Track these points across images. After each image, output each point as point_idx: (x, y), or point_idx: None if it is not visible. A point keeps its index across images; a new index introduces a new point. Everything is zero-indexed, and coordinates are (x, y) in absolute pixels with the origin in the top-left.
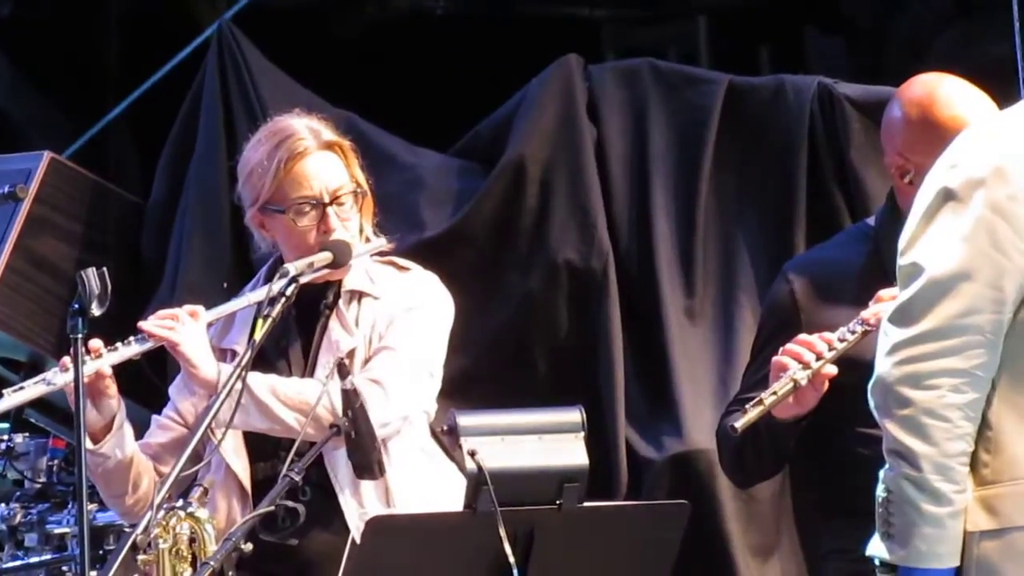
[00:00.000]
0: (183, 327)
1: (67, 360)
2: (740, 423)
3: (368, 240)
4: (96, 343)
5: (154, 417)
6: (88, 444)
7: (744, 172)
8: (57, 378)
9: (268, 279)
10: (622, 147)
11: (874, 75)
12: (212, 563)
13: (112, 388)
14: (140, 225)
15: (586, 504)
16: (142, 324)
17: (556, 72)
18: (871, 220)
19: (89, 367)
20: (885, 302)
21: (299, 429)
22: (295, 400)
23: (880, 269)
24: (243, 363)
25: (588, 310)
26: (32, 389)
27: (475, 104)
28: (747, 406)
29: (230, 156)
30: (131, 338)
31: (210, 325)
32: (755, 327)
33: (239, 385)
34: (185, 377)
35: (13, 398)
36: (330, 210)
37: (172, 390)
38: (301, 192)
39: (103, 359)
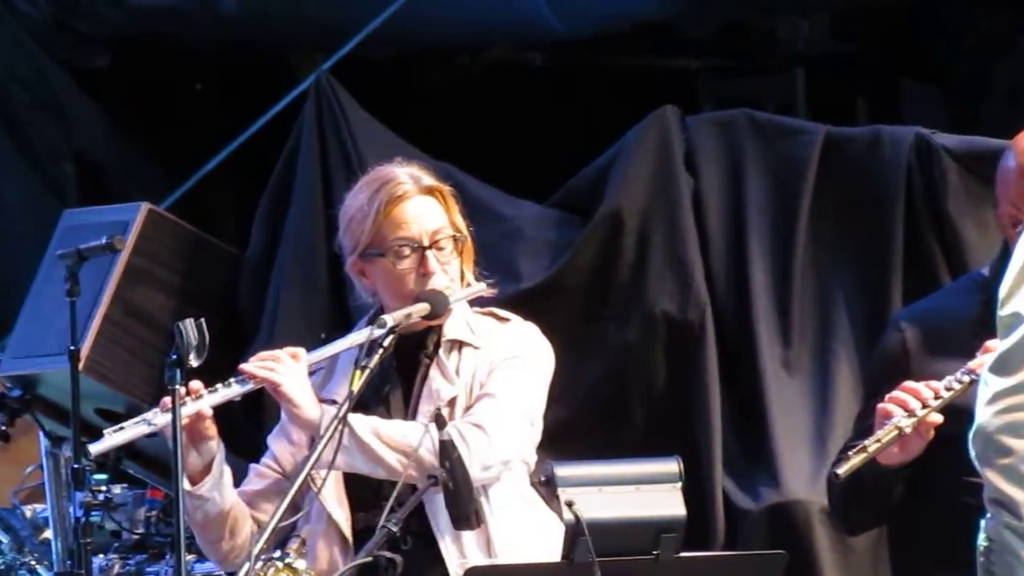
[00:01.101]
0: (285, 368)
1: (167, 400)
2: (843, 469)
3: (469, 286)
4: (196, 384)
5: (251, 465)
6: (186, 485)
7: (841, 223)
8: (157, 419)
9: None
10: (719, 198)
11: (972, 125)
12: None
13: (212, 430)
14: (237, 276)
15: (683, 555)
16: (243, 366)
17: (653, 123)
18: (984, 270)
19: (189, 408)
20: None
21: (401, 471)
22: (398, 442)
23: (992, 320)
24: (344, 407)
25: (685, 361)
26: (132, 429)
27: (572, 155)
28: (851, 452)
29: (327, 207)
30: (232, 379)
31: (311, 372)
32: (851, 377)
33: (341, 428)
34: (284, 423)
35: (114, 438)
36: (429, 253)
37: (270, 438)
38: (400, 234)
39: (203, 400)
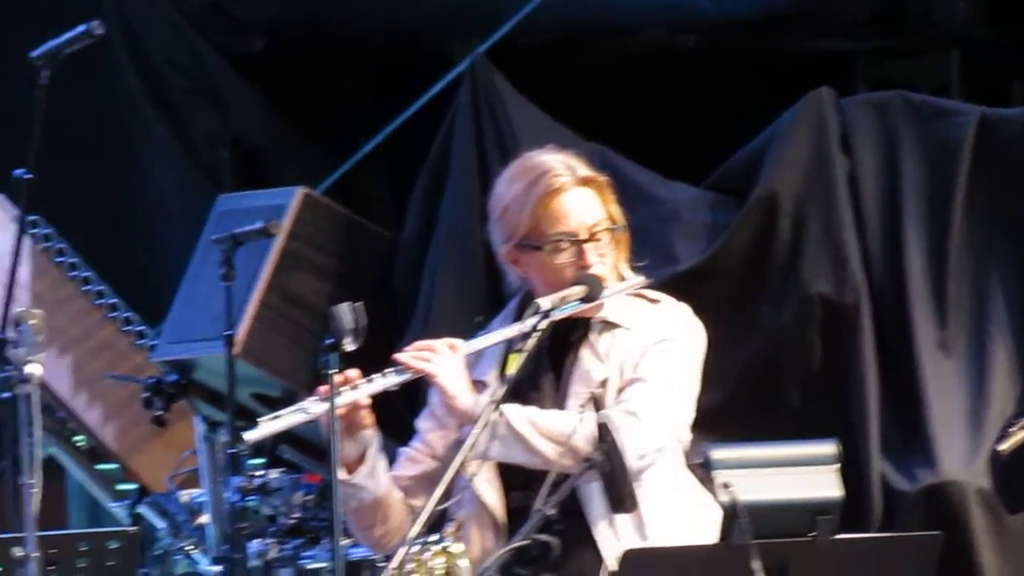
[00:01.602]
0: (441, 358)
1: (324, 388)
2: (1006, 446)
3: (622, 277)
4: (353, 372)
5: (401, 450)
6: (342, 475)
7: (996, 204)
8: (314, 407)
9: (519, 312)
10: (874, 180)
11: None
12: None
13: (368, 419)
14: (393, 260)
15: (839, 536)
16: (399, 356)
17: (808, 105)
18: None
19: (346, 397)
20: None
21: (557, 460)
22: (553, 432)
23: None
24: (498, 396)
25: (841, 343)
26: (288, 417)
27: (726, 137)
28: (1011, 429)
29: (483, 191)
30: (388, 369)
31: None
32: (1007, 358)
33: (494, 416)
34: (433, 407)
35: (269, 426)
36: (587, 246)
37: (421, 423)
38: (558, 228)
39: (360, 390)
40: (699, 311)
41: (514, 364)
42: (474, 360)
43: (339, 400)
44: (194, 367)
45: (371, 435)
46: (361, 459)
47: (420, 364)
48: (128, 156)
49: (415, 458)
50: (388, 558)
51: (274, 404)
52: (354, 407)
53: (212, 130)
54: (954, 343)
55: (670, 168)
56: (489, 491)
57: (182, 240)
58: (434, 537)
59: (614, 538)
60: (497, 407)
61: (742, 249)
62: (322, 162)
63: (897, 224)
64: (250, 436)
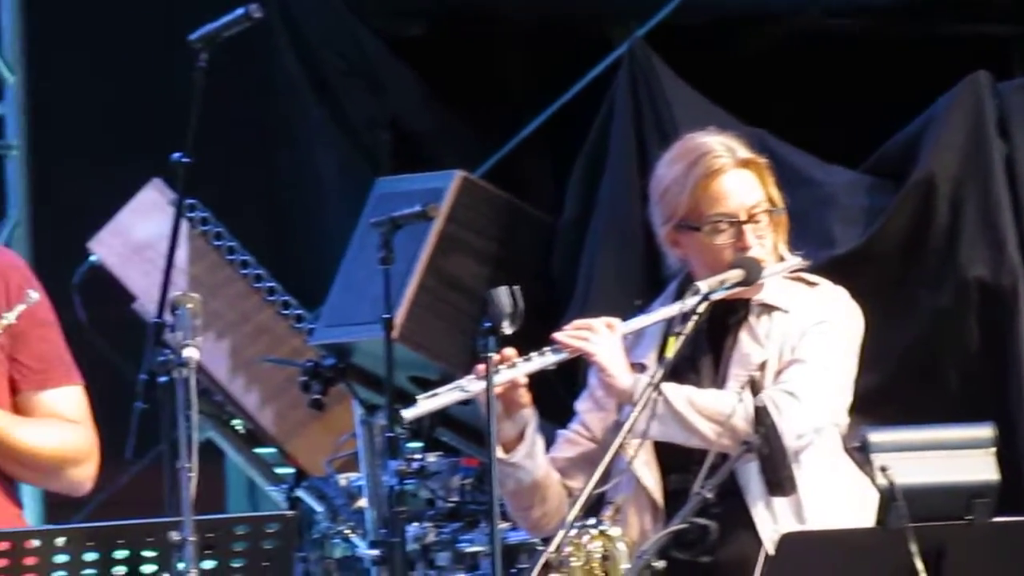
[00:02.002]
0: (599, 337)
1: (482, 367)
2: None
3: (781, 259)
4: (510, 351)
5: (559, 432)
6: (499, 455)
7: None
8: (472, 385)
9: (678, 295)
10: None
11: None
12: None
13: (526, 398)
14: (551, 243)
15: (996, 520)
16: (557, 335)
17: (965, 89)
18: None
19: (503, 375)
20: None
21: (715, 439)
22: (711, 411)
23: None
24: (657, 378)
25: (998, 327)
26: (446, 396)
27: (883, 121)
28: None
29: (641, 174)
30: (546, 348)
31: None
32: None
33: (653, 397)
34: (592, 389)
35: (427, 404)
36: (746, 228)
37: (579, 404)
38: (717, 209)
39: (517, 368)
40: (856, 294)
41: (672, 346)
42: (634, 342)
43: (497, 379)
44: (352, 350)
45: (529, 415)
46: (519, 439)
47: (578, 343)
48: (287, 139)
49: (573, 440)
50: (546, 541)
51: (432, 387)
52: (512, 386)
53: (371, 113)
54: None
55: (828, 152)
56: (647, 473)
57: (340, 223)
58: (592, 520)
59: (772, 521)
60: (656, 389)
61: (899, 233)
62: (480, 145)
63: None
64: (408, 414)
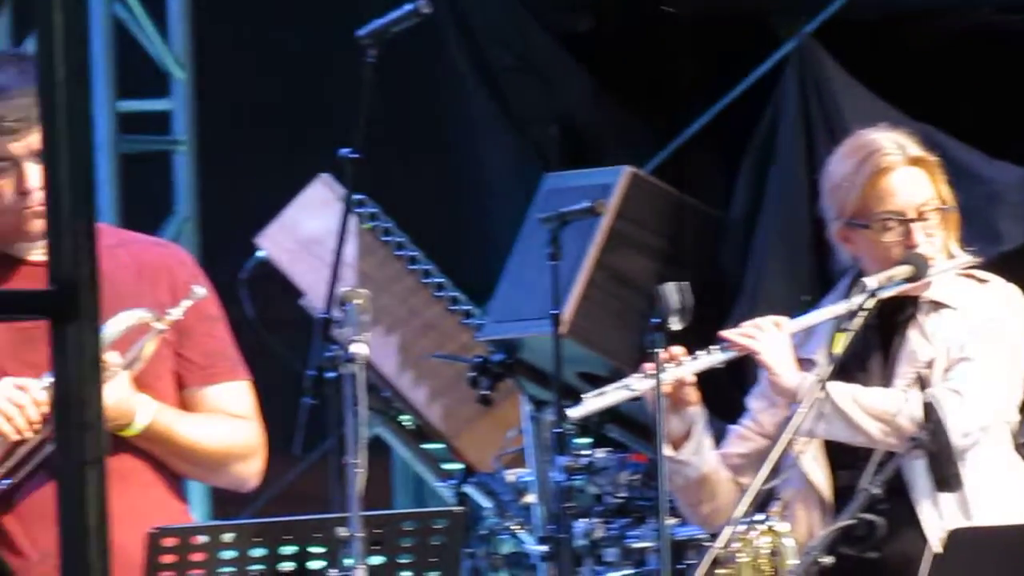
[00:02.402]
0: (765, 335)
1: (649, 365)
2: None
3: (952, 257)
4: (678, 350)
5: (730, 427)
6: (667, 451)
7: None
8: (638, 384)
9: (848, 291)
10: None
11: None
12: None
13: (693, 395)
14: (719, 238)
15: None
16: (725, 332)
17: None
18: None
19: (671, 373)
20: None
21: (881, 439)
22: (878, 410)
23: None
24: (825, 375)
25: None
26: (613, 394)
27: None
28: None
29: (809, 170)
30: (714, 346)
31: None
32: None
33: (819, 395)
34: (765, 387)
35: (593, 403)
36: (915, 225)
37: (751, 401)
38: (886, 207)
39: (685, 367)
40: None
41: (840, 343)
42: (804, 338)
43: (664, 376)
44: (520, 346)
45: (697, 412)
46: (687, 436)
47: (745, 341)
48: (455, 134)
49: (745, 436)
50: (714, 536)
51: (600, 383)
52: (679, 384)
53: (539, 109)
54: None
55: (997, 148)
56: (816, 470)
57: (509, 218)
58: (760, 516)
59: (938, 518)
60: (823, 385)
61: None
62: (649, 141)
63: None
64: (574, 413)
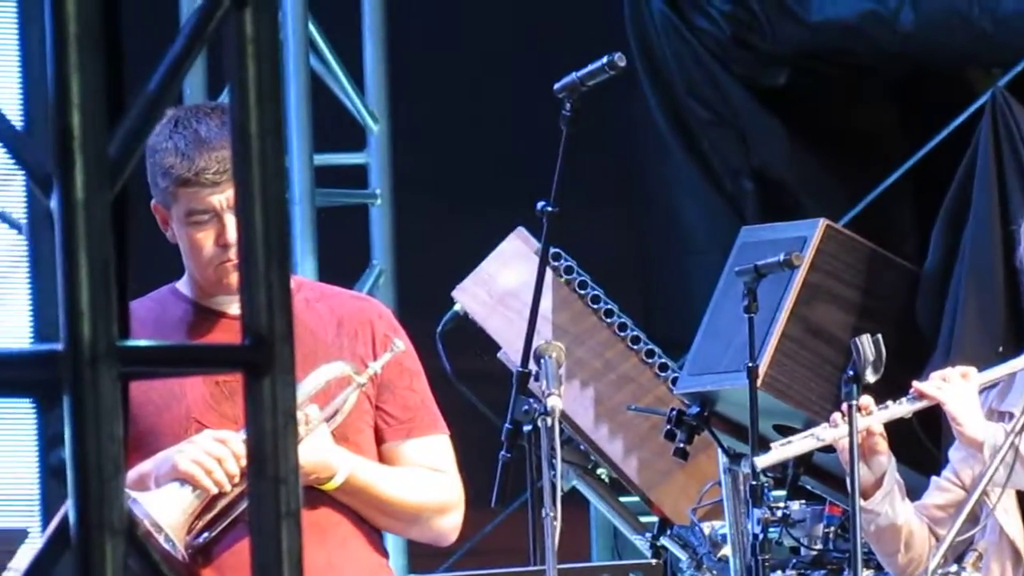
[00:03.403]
0: (952, 387)
1: (836, 416)
2: None
3: None
4: (866, 400)
5: (933, 478)
6: (859, 501)
7: None
8: (825, 433)
9: None
10: None
11: None
12: None
13: (882, 445)
14: (915, 291)
15: None
16: (915, 383)
17: None
18: None
19: (860, 423)
20: None
21: None
22: None
23: None
24: (1017, 426)
25: None
26: (800, 443)
27: None
28: None
29: (1004, 223)
30: (903, 398)
31: (983, 389)
32: None
33: (1009, 446)
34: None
35: (782, 451)
36: None
37: (951, 451)
38: None
39: (874, 416)
40: None
41: None
42: (1003, 390)
43: (855, 430)
44: (716, 399)
45: (886, 461)
46: (877, 485)
47: (931, 391)
48: (651, 187)
49: (943, 487)
50: None
51: (795, 435)
52: (868, 433)
53: (735, 162)
54: None
55: None
56: (1009, 521)
57: (707, 271)
58: (953, 567)
59: None
60: (1014, 438)
61: None
62: (844, 194)
63: None
64: (762, 461)
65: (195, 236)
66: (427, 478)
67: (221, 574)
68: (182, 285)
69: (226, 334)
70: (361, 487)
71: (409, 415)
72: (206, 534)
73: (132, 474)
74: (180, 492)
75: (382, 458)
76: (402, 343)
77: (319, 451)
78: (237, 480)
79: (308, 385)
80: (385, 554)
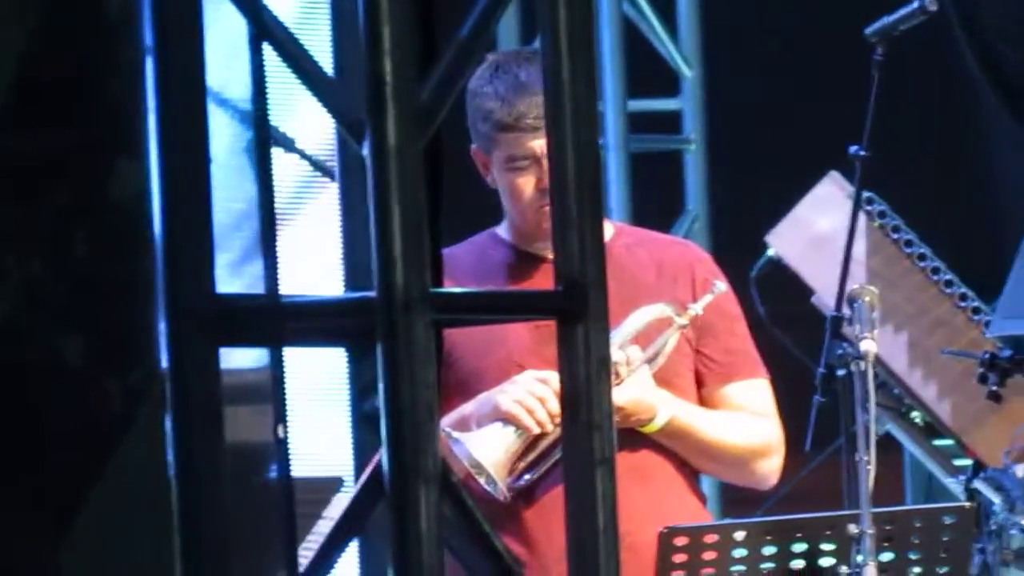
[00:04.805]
0: None
1: None
2: None
3: None
4: None
5: None
6: None
7: None
8: None
9: None
10: None
11: None
12: None
13: None
14: None
15: None
16: None
17: None
18: None
19: None
20: None
21: None
22: None
23: None
24: None
25: None
26: None
27: None
28: None
29: None
30: None
31: None
32: None
33: None
34: None
35: None
36: None
37: None
38: None
39: None
40: None
41: None
42: None
43: None
44: None
45: None
46: None
47: None
48: (964, 132)
49: None
50: None
51: None
52: None
53: None
54: None
55: None
56: None
57: (1018, 216)
58: None
59: None
60: None
61: None
62: None
63: None
64: None
65: (516, 182)
66: (749, 421)
67: (543, 516)
68: (502, 230)
69: (548, 279)
70: (683, 430)
71: (730, 358)
72: (528, 476)
73: (454, 415)
74: (503, 432)
75: (702, 401)
76: (724, 285)
77: (640, 393)
78: (559, 421)
79: (628, 327)
80: (703, 498)
